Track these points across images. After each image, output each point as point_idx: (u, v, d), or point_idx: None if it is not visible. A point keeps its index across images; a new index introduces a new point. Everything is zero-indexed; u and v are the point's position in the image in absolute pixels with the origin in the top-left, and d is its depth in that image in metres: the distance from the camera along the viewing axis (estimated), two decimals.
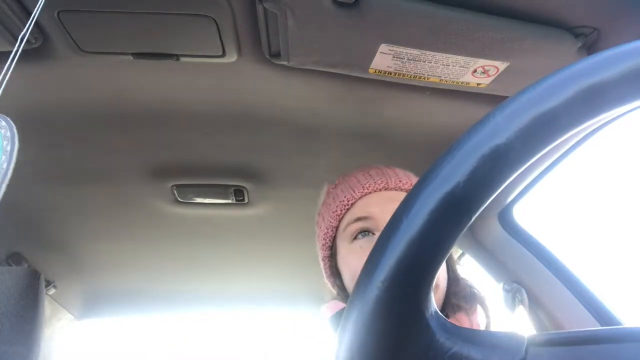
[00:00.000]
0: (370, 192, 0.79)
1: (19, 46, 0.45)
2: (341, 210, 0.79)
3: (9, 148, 0.41)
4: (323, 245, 0.82)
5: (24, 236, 1.32)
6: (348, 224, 0.77)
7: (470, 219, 0.25)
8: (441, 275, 0.75)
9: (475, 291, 0.79)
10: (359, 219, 0.76)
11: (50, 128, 0.94)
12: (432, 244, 0.24)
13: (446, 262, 0.78)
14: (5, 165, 0.40)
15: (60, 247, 1.40)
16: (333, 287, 0.85)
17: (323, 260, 0.84)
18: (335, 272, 0.82)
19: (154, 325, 2.14)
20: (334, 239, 0.82)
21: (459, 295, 0.77)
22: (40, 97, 0.86)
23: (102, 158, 1.05)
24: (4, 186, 0.39)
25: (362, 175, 0.82)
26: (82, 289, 1.61)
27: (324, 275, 0.86)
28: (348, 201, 0.79)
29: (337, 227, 0.80)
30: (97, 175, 1.11)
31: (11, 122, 0.42)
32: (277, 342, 2.26)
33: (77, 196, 1.18)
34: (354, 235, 0.76)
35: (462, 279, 0.81)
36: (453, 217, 0.24)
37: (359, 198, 0.79)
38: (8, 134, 0.42)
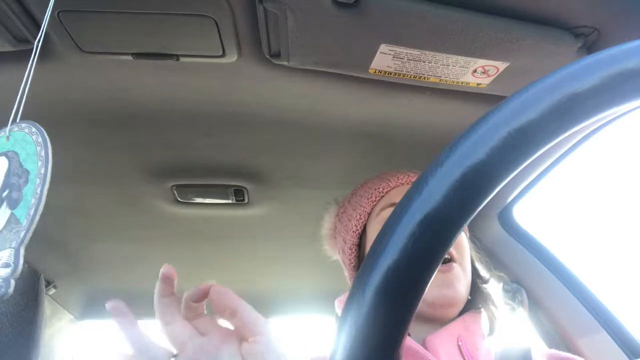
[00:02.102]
0: (403, 184, 0.85)
1: (35, 53, 0.45)
2: (376, 197, 0.84)
3: (43, 153, 0.41)
4: (353, 232, 0.85)
5: None
6: (382, 209, 0.82)
7: (426, 284, 0.24)
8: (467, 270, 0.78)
9: (487, 293, 0.80)
10: (393, 205, 0.81)
11: (49, 128, 0.93)
12: (387, 322, 0.24)
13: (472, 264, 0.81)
14: (43, 171, 0.40)
15: (60, 247, 1.40)
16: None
17: (350, 248, 0.86)
18: (360, 261, 0.85)
19: (154, 326, 2.13)
20: (364, 226, 0.85)
21: (474, 295, 0.79)
22: (40, 97, 0.86)
23: (102, 158, 1.05)
24: (45, 191, 0.40)
25: (394, 171, 0.88)
26: (82, 289, 1.61)
27: (347, 265, 0.88)
28: (383, 189, 0.85)
29: (369, 213, 0.84)
30: (97, 175, 1.11)
31: (40, 127, 0.42)
32: None
33: (77, 196, 1.18)
34: None
35: (484, 280, 0.83)
36: (404, 293, 0.24)
37: (393, 187, 0.85)
38: (40, 139, 0.42)
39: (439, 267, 0.26)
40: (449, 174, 0.24)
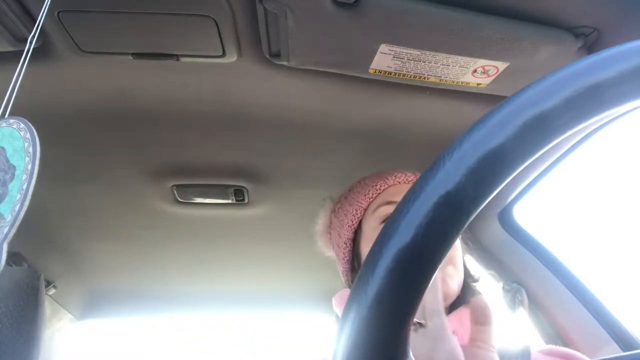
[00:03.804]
0: (401, 183, 0.85)
1: (29, 50, 0.45)
2: (373, 194, 0.84)
3: (30, 150, 0.41)
4: (349, 226, 0.86)
5: (24, 236, 1.32)
6: (379, 206, 0.82)
7: (436, 267, 0.25)
8: (459, 268, 0.78)
9: (478, 291, 0.81)
10: (389, 203, 0.81)
11: (50, 128, 0.94)
12: (398, 299, 0.24)
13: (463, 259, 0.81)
14: (30, 167, 0.40)
15: (60, 247, 1.40)
16: (350, 272, 0.87)
17: (345, 243, 0.86)
18: (354, 256, 0.86)
19: (154, 326, 2.14)
20: (359, 222, 0.85)
21: (465, 291, 0.79)
22: (40, 97, 0.86)
23: (102, 158, 1.05)
24: (31, 187, 0.40)
25: (392, 170, 0.88)
26: (82, 289, 1.61)
27: (341, 259, 0.88)
28: (380, 186, 0.85)
29: (365, 209, 0.85)
30: (97, 175, 1.11)
31: (29, 123, 0.42)
32: (277, 342, 2.26)
33: (77, 196, 1.18)
34: (384, 218, 0.81)
35: (474, 279, 0.83)
36: (415, 271, 0.24)
37: (391, 185, 0.85)
38: (28, 135, 0.42)
39: None
40: (466, 156, 0.24)
